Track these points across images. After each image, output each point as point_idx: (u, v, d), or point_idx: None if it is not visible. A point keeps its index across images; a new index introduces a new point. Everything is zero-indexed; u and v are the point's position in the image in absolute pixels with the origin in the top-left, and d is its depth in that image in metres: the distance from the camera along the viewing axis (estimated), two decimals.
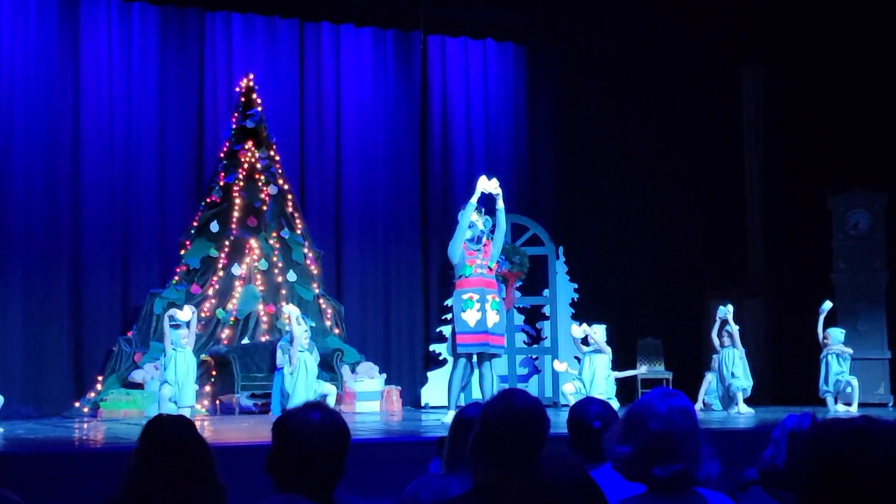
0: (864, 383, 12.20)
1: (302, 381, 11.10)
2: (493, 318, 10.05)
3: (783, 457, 3.57)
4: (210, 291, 13.29)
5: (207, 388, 12.82)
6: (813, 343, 12.21)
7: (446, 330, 13.43)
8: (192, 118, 14.07)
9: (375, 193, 14.84)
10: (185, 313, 11.08)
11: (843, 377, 11.93)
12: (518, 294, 14.35)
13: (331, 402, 11.05)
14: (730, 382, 11.91)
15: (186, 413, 10.82)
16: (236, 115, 13.90)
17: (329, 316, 13.77)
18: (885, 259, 13.90)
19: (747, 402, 11.88)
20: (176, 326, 10.99)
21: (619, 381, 12.48)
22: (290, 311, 11.60)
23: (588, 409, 3.95)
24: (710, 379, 12.68)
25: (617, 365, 12.50)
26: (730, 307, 12.17)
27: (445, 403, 10.64)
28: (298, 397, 10.89)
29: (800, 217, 14.77)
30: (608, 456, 2.86)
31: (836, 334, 12.11)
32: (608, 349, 12.01)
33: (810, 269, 14.24)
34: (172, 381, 10.86)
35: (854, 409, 11.68)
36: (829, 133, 14.45)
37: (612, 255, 15.67)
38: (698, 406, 12.12)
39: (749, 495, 3.75)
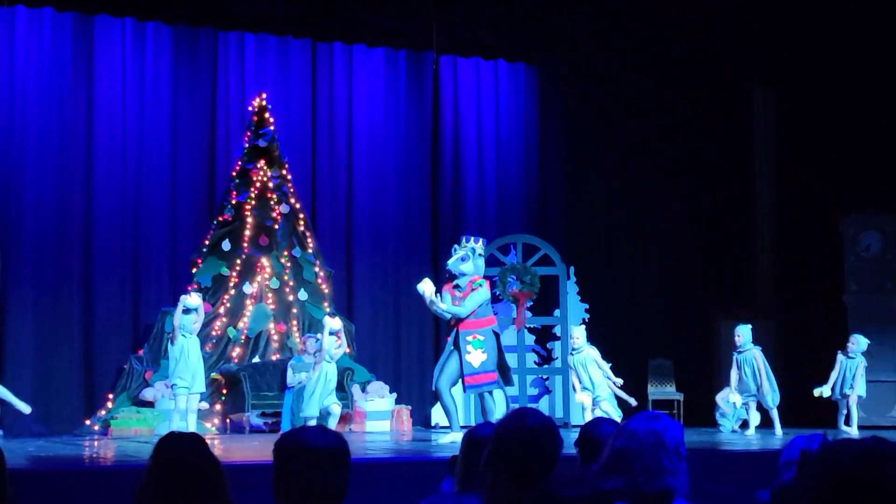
0: (876, 405, 12.15)
1: (319, 391, 10.98)
2: (477, 358, 10.14)
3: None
4: (221, 310, 13.31)
5: (218, 407, 12.83)
6: (824, 365, 12.14)
7: None
8: (204, 137, 14.12)
9: (386, 213, 14.87)
10: (195, 298, 10.92)
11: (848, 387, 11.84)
12: (529, 314, 14.34)
13: (333, 422, 10.95)
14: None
15: (196, 400, 10.76)
16: (249, 134, 13.94)
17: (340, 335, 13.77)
18: None
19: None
20: (187, 311, 10.89)
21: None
22: (329, 322, 11.46)
23: (601, 427, 3.98)
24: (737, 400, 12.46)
25: (628, 384, 12.46)
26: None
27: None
28: (311, 406, 10.85)
29: (811, 239, 14.74)
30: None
31: (861, 341, 12.00)
32: (590, 347, 11.90)
33: (822, 291, 14.19)
34: (185, 373, 10.63)
35: (854, 430, 11.64)
36: (841, 154, 14.43)
37: (623, 276, 15.64)
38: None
39: None
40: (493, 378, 10.34)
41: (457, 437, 9.67)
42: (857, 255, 14.05)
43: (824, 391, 11.88)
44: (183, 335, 10.73)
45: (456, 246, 10.58)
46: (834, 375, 11.88)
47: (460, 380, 10.26)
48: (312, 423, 10.92)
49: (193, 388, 10.67)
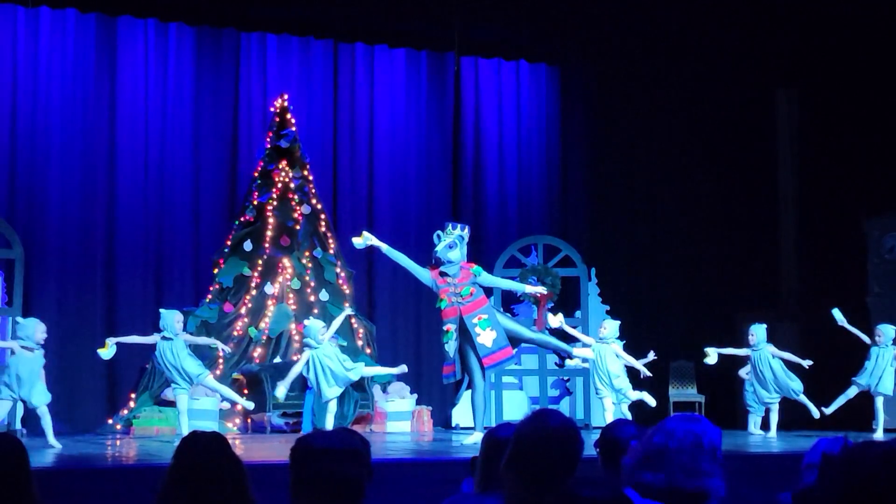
0: None
1: (322, 376, 10.84)
2: (489, 337, 10.16)
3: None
4: (243, 310, 13.35)
5: (239, 407, 12.84)
6: (848, 367, 12.07)
7: None
8: (226, 138, 14.18)
9: (408, 214, 14.88)
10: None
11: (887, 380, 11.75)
12: (550, 315, 14.30)
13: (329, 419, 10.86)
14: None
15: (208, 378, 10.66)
16: (270, 134, 13.98)
17: (361, 335, 13.79)
18: None
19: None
20: None
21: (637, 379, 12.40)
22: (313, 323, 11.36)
23: (623, 429, 3.96)
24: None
25: (649, 386, 12.43)
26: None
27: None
28: (327, 390, 10.78)
29: (834, 240, 14.66)
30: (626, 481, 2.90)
31: (888, 330, 11.90)
32: (616, 341, 11.93)
33: (845, 293, 14.11)
34: (176, 375, 10.45)
35: (880, 434, 11.56)
36: (864, 156, 14.35)
37: (645, 277, 15.60)
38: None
39: None
40: (510, 353, 10.40)
41: (480, 437, 9.68)
42: (880, 257, 13.97)
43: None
44: (165, 338, 10.56)
45: (440, 232, 10.57)
46: (870, 366, 11.77)
47: (476, 359, 10.24)
48: (332, 405, 10.86)
49: (195, 380, 10.53)
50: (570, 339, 12.25)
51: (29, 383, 9.90)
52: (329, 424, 10.70)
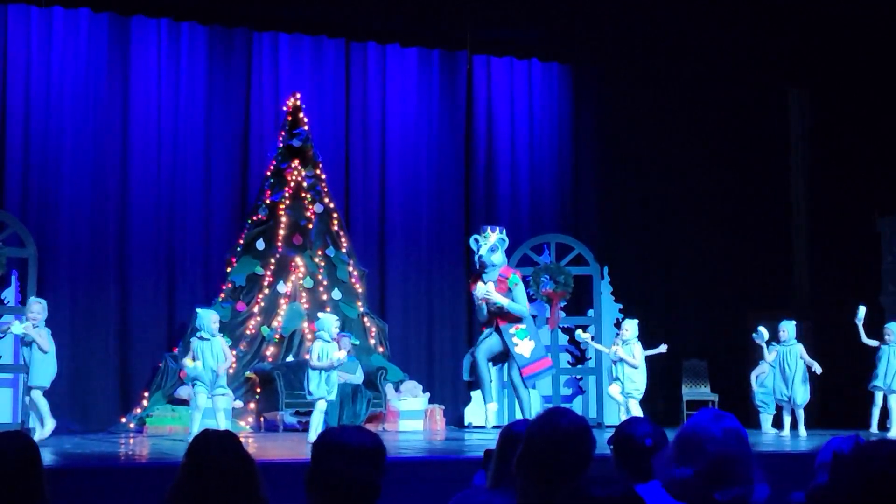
0: None
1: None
2: (527, 347, 10.17)
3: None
4: (255, 309, 13.36)
5: (252, 406, 12.87)
6: (861, 366, 12.04)
7: None
8: (239, 137, 14.20)
9: (420, 212, 14.88)
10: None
11: None
12: (562, 314, 14.30)
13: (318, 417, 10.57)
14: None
15: (224, 401, 10.56)
16: (283, 133, 13.99)
17: (373, 334, 13.80)
18: None
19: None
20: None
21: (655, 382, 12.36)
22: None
23: (637, 427, 3.94)
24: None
25: (662, 385, 12.41)
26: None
27: (489, 423, 10.59)
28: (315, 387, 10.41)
29: (848, 239, 14.63)
30: (660, 477, 2.85)
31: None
32: (637, 343, 11.87)
33: (858, 292, 14.07)
34: (201, 374, 10.45)
35: (894, 433, 11.52)
36: (877, 155, 14.32)
37: (657, 276, 15.58)
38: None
39: None
40: (549, 363, 10.37)
41: (489, 407, 9.86)
42: (894, 256, 13.93)
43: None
44: (202, 338, 10.37)
45: (476, 236, 10.54)
46: (882, 366, 11.74)
47: (516, 369, 10.21)
48: (322, 405, 10.54)
49: (214, 388, 10.41)
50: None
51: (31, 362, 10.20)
52: (323, 424, 10.54)
